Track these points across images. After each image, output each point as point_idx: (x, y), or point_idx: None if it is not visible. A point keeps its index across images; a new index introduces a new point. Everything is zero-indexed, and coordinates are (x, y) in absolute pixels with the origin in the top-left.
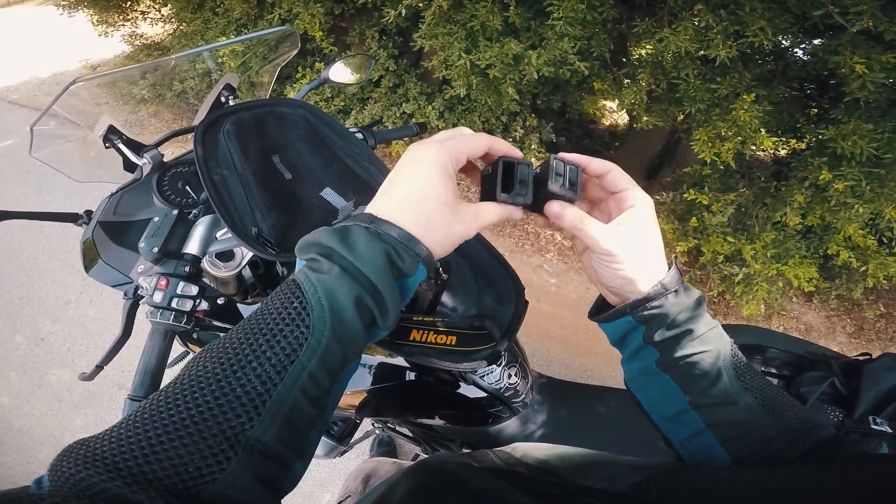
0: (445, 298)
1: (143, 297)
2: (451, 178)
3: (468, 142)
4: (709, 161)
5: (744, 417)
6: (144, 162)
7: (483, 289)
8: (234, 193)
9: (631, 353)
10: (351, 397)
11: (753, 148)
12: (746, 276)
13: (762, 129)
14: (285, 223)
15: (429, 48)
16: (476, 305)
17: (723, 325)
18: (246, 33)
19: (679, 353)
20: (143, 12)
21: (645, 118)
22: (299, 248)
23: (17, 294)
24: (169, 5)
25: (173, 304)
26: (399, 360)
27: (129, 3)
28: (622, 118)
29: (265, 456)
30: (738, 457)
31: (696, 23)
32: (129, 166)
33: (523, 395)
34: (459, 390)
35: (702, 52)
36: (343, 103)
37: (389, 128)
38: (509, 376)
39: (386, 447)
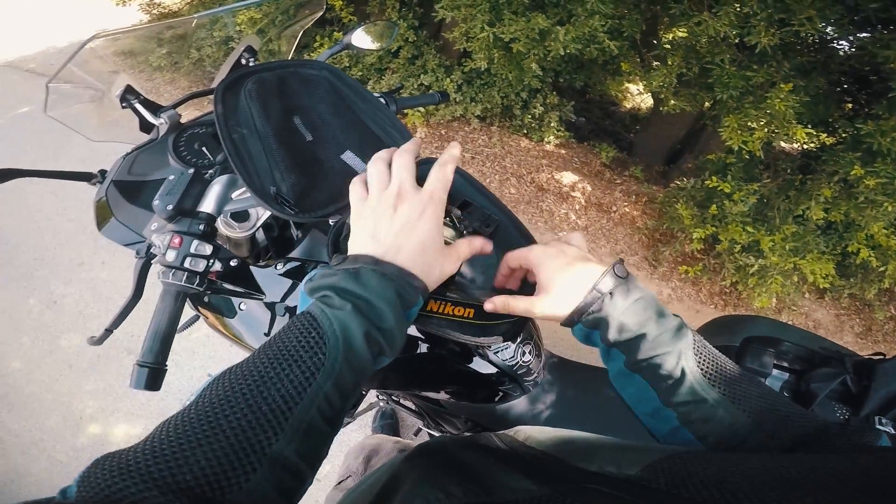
0: (464, 268)
1: (155, 256)
2: (441, 229)
3: (446, 181)
4: (736, 149)
5: (715, 414)
6: (161, 122)
7: (501, 257)
8: (254, 152)
9: (603, 354)
10: None
11: (785, 138)
12: (762, 268)
13: (795, 121)
14: (304, 184)
15: (450, 19)
16: (493, 267)
17: (737, 316)
18: None
19: (641, 356)
20: None
21: (672, 102)
22: (310, 289)
23: (31, 256)
24: None
25: (186, 264)
26: (411, 331)
27: None
28: (645, 102)
29: (286, 468)
30: (716, 448)
31: (738, 8)
32: (146, 127)
33: (535, 374)
34: (471, 365)
35: (740, 38)
36: (361, 73)
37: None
38: (523, 354)
39: (389, 420)
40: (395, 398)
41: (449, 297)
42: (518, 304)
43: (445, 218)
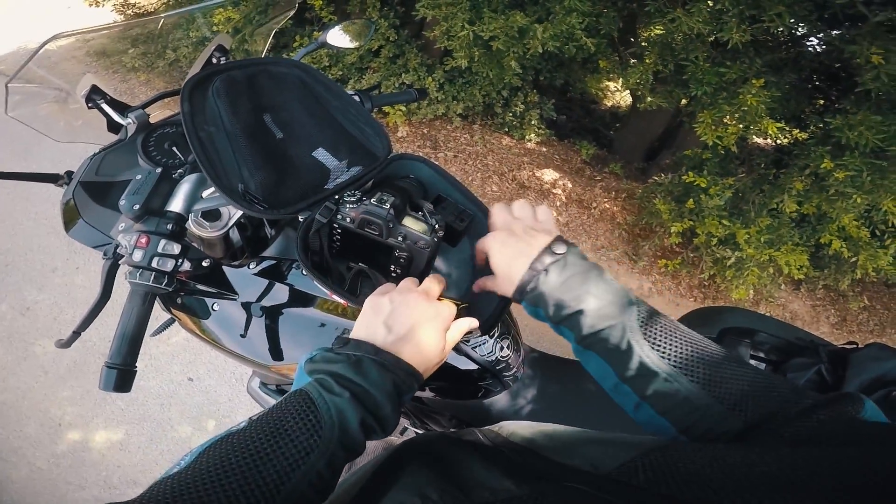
0: (438, 262)
1: (122, 256)
2: (443, 326)
3: (452, 317)
4: (711, 144)
5: (672, 388)
6: (129, 122)
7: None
8: (221, 150)
9: (557, 332)
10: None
11: (758, 133)
12: (738, 260)
13: (767, 116)
14: (274, 181)
15: (431, 18)
16: (471, 273)
17: (714, 307)
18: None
19: (586, 331)
20: None
21: (649, 98)
22: (310, 370)
23: (3, 261)
24: None
25: (153, 264)
26: None
27: None
28: (624, 100)
29: None
30: (684, 428)
31: (710, 5)
32: (114, 127)
33: (514, 369)
34: (450, 361)
35: (714, 35)
36: (341, 72)
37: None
38: (501, 348)
39: None
40: None
41: None
42: (488, 283)
43: (418, 212)
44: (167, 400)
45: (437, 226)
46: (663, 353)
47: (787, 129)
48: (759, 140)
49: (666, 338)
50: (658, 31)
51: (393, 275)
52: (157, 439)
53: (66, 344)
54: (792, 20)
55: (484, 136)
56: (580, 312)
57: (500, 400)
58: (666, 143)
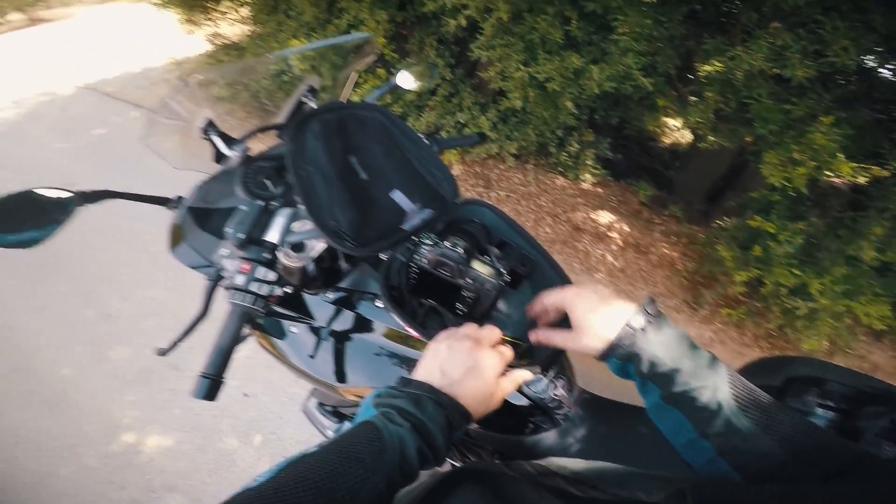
0: (501, 306)
1: (224, 279)
2: (498, 369)
3: (507, 359)
4: (778, 186)
5: (751, 445)
6: (234, 154)
7: (532, 287)
8: (318, 189)
9: (639, 387)
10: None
11: (829, 174)
12: (811, 311)
13: (840, 154)
14: (360, 220)
15: (486, 59)
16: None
17: (779, 357)
18: (319, 38)
19: (676, 389)
20: (223, 13)
21: (711, 138)
22: (376, 404)
23: (95, 271)
24: (247, 7)
25: (253, 288)
26: None
27: (211, 3)
28: (685, 137)
29: None
30: (754, 479)
31: (771, 41)
32: (219, 157)
33: (566, 408)
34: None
35: (777, 71)
36: (401, 110)
37: (445, 136)
38: (555, 388)
39: None
40: None
41: None
42: (556, 337)
43: (485, 257)
44: (220, 412)
45: (503, 271)
46: (747, 411)
47: (864, 167)
48: (835, 179)
49: (749, 397)
50: (717, 68)
51: (459, 312)
52: (204, 449)
53: (165, 352)
54: (859, 53)
55: (537, 176)
56: (676, 371)
57: (548, 437)
58: (730, 184)
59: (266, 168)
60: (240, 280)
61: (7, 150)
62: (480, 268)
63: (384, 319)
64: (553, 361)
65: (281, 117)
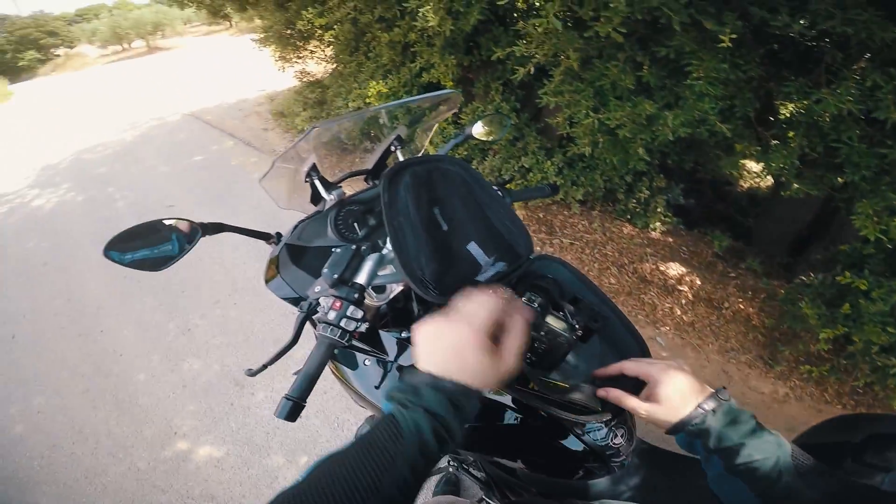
0: (571, 356)
1: (316, 312)
2: (485, 341)
3: (491, 311)
4: (872, 239)
5: None
6: (330, 198)
7: (607, 351)
8: (408, 238)
9: (703, 459)
10: None
11: None
12: None
13: None
14: (441, 270)
15: (554, 105)
16: (598, 366)
17: (858, 414)
18: (395, 79)
19: (740, 462)
20: (311, 51)
21: (795, 185)
22: (388, 398)
23: (181, 288)
24: (332, 48)
25: (341, 324)
26: (505, 399)
27: (302, 42)
28: (765, 181)
29: None
30: None
31: (859, 82)
32: (314, 199)
33: (623, 457)
34: (562, 440)
35: (867, 112)
36: (466, 153)
37: (516, 188)
38: (615, 436)
39: (452, 486)
40: (465, 465)
41: (551, 379)
42: (630, 402)
43: (559, 312)
44: (273, 431)
45: (577, 326)
46: (810, 483)
47: None
48: None
49: (810, 470)
50: (800, 109)
51: (527, 361)
52: (251, 464)
53: (255, 373)
54: None
55: (603, 224)
56: (742, 445)
57: (601, 483)
58: (816, 234)
59: (354, 212)
60: (332, 316)
61: (121, 169)
62: (555, 322)
63: None
64: (621, 412)
65: (370, 163)
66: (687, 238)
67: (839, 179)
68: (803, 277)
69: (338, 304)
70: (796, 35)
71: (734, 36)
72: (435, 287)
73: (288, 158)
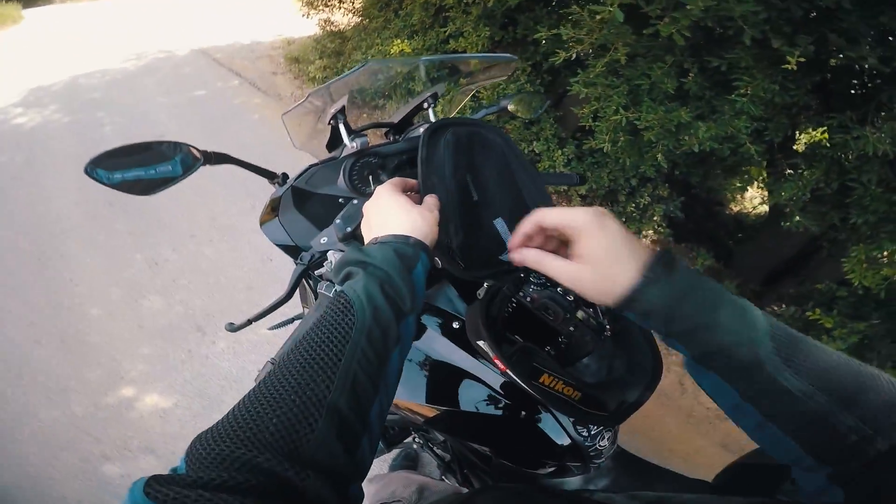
0: (586, 358)
1: (318, 266)
2: (401, 195)
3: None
4: (857, 283)
5: (805, 407)
6: (353, 145)
7: (618, 352)
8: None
9: (668, 346)
10: (424, 409)
11: None
12: None
13: None
14: (468, 243)
15: (585, 95)
16: (608, 368)
17: None
18: (420, 41)
19: (706, 349)
20: (340, 1)
21: (797, 218)
22: (335, 272)
23: (155, 217)
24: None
25: None
26: (493, 381)
27: None
28: (755, 207)
29: (342, 420)
30: (814, 451)
31: None
32: (331, 145)
33: (602, 459)
34: (551, 433)
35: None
36: None
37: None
38: (602, 437)
39: (409, 462)
40: (432, 443)
41: (562, 377)
42: (550, 265)
43: (589, 308)
44: (230, 384)
45: (607, 326)
46: (796, 369)
47: None
48: None
49: (798, 352)
50: (827, 144)
51: (546, 350)
52: (200, 418)
53: (236, 328)
54: None
55: None
56: (702, 327)
57: (573, 483)
58: (794, 269)
59: (372, 164)
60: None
61: (116, 96)
62: (584, 318)
63: (455, 339)
64: (627, 416)
65: (395, 117)
66: (675, 250)
67: (841, 219)
68: (774, 307)
69: None
70: (864, 69)
71: (802, 59)
72: (461, 258)
73: (319, 95)
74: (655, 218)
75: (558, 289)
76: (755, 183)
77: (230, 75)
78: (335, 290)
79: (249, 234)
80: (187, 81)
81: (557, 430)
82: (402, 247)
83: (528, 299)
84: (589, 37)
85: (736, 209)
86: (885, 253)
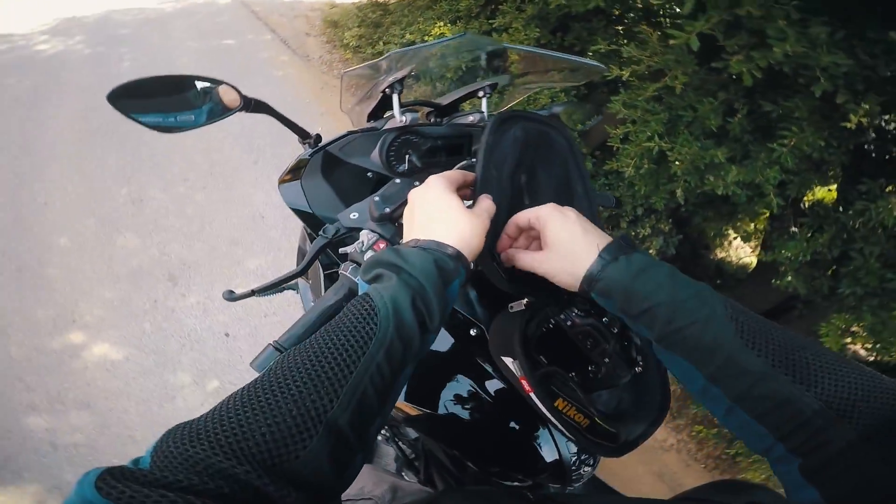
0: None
1: (343, 244)
2: (454, 195)
3: (459, 175)
4: (835, 350)
5: (769, 389)
6: (402, 119)
7: (629, 386)
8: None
9: (634, 330)
10: (408, 407)
11: (890, 358)
12: None
13: None
14: None
15: (622, 116)
16: (617, 399)
17: (743, 482)
18: (462, 28)
19: (666, 329)
20: None
21: (789, 278)
22: (363, 271)
23: (150, 153)
24: None
25: None
26: (491, 386)
27: None
28: (739, 257)
29: (339, 438)
30: (783, 435)
31: None
32: (374, 115)
33: (580, 483)
34: (544, 446)
35: None
36: None
37: None
38: (591, 463)
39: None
40: (398, 438)
41: (575, 403)
42: (523, 258)
43: (625, 342)
44: (191, 344)
45: (639, 361)
46: (759, 350)
47: None
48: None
49: (761, 334)
50: (843, 209)
51: (570, 375)
52: (150, 375)
53: (234, 298)
54: None
55: None
56: (661, 306)
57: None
58: None
59: (414, 143)
60: (368, 257)
61: (146, 33)
62: (619, 353)
63: (466, 344)
64: (630, 450)
65: (444, 100)
66: None
67: (829, 287)
68: None
69: (382, 244)
70: None
71: (864, 119)
72: (503, 269)
73: (389, 59)
74: (651, 251)
75: (603, 318)
76: (752, 237)
77: (264, 29)
78: (361, 290)
79: (246, 187)
80: (220, 29)
81: (551, 447)
82: (443, 258)
83: (569, 323)
84: (650, 59)
85: (721, 255)
86: (862, 324)
